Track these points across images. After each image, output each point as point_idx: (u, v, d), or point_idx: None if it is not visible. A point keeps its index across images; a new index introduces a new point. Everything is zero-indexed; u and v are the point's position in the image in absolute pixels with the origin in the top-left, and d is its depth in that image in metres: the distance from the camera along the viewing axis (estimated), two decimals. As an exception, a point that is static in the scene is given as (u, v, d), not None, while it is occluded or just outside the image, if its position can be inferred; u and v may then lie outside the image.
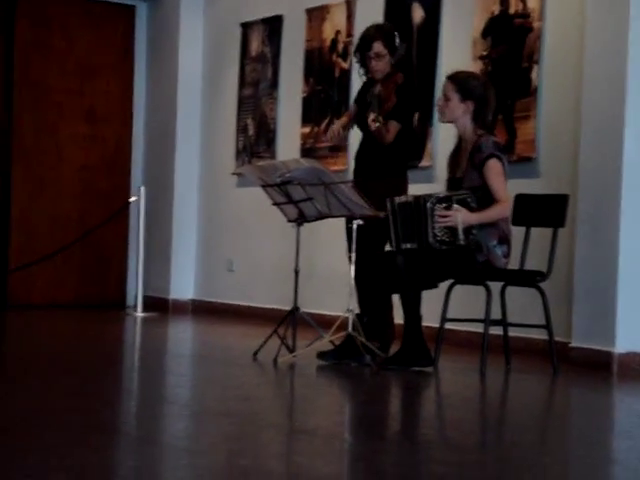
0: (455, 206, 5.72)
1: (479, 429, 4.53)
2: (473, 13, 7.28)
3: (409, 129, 6.34)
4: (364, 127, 6.36)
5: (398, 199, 5.87)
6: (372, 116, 6.18)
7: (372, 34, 6.35)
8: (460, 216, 5.69)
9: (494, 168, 5.81)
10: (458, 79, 5.96)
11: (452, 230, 5.72)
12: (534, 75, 6.87)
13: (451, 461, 3.66)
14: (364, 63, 6.36)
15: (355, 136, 6.72)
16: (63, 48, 9.81)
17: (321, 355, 6.01)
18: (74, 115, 9.84)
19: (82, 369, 5.71)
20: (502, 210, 5.81)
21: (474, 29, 7.26)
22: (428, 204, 5.71)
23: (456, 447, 3.96)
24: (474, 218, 5.74)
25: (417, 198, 5.79)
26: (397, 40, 6.38)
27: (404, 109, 6.27)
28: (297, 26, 8.72)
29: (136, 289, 9.18)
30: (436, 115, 6.50)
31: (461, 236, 5.71)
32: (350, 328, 5.84)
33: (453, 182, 5.98)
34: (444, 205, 5.73)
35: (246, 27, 9.26)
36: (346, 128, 6.57)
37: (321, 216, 6.05)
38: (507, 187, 5.86)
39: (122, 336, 7.94)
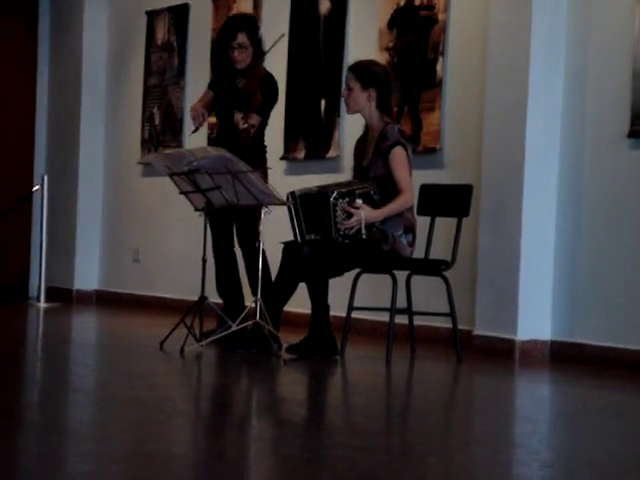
0: (358, 201, 5.74)
1: (384, 415, 4.58)
2: (379, 4, 7.33)
3: (267, 120, 6.42)
4: (224, 118, 6.41)
5: (299, 191, 5.88)
6: (240, 115, 6.19)
7: (237, 24, 6.40)
8: (363, 214, 5.73)
9: (399, 157, 5.85)
10: (358, 68, 6.02)
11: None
12: (439, 67, 6.95)
13: (357, 446, 3.69)
14: (226, 52, 6.37)
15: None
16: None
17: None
18: (-25, 103, 9.66)
19: (-16, 359, 5.62)
20: (405, 201, 5.86)
21: (380, 20, 7.31)
22: (331, 199, 5.73)
23: (362, 432, 3.99)
24: (377, 214, 5.78)
25: (320, 191, 5.81)
26: (260, 32, 6.44)
27: (268, 105, 6.37)
28: (203, 15, 8.67)
29: (39, 280, 9.04)
30: (343, 107, 6.53)
31: (363, 231, 5.75)
32: (257, 317, 5.84)
33: (359, 170, 6.03)
34: (347, 200, 5.75)
35: (152, 15, 9.19)
36: (207, 108, 6.50)
37: (229, 205, 6.04)
38: (412, 176, 5.92)
39: (25, 326, 7.82)
